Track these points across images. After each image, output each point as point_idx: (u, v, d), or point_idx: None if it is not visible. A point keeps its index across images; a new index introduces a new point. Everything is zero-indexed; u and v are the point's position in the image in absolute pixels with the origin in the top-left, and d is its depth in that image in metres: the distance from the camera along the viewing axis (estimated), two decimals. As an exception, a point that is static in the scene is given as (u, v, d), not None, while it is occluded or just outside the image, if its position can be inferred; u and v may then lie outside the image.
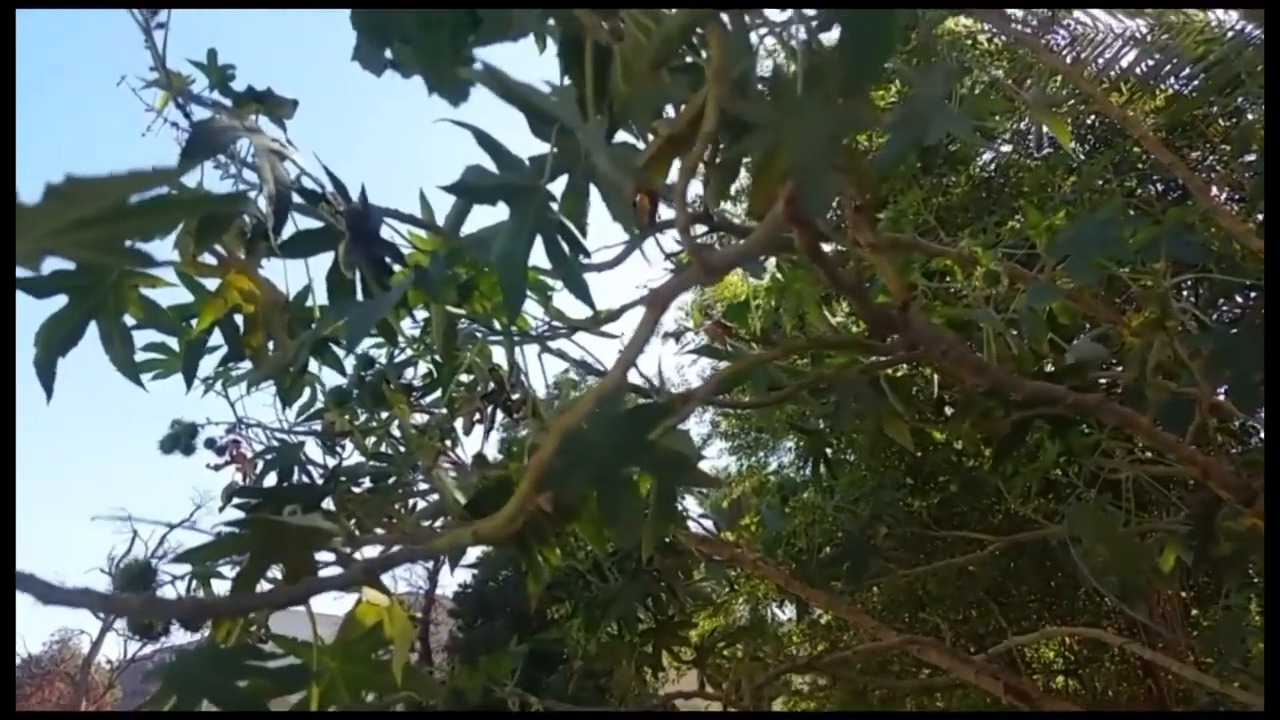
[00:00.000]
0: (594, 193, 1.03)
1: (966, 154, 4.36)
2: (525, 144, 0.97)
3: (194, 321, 1.29)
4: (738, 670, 2.73)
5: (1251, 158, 3.80)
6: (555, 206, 0.98)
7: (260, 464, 1.78)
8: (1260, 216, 3.23)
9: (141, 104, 1.36)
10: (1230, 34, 3.27)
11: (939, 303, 1.94)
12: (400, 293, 1.13)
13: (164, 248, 1.18)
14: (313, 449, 1.76)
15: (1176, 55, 3.47)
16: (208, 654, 0.80)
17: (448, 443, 1.61)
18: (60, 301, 1.14)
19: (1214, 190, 3.92)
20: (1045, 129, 3.83)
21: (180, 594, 1.15)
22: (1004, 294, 1.76)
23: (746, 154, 0.84)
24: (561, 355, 1.49)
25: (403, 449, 1.74)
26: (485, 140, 0.94)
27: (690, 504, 2.99)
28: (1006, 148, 4.67)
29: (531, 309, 1.48)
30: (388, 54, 1.04)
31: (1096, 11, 3.58)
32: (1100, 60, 3.73)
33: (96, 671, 17.79)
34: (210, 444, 1.86)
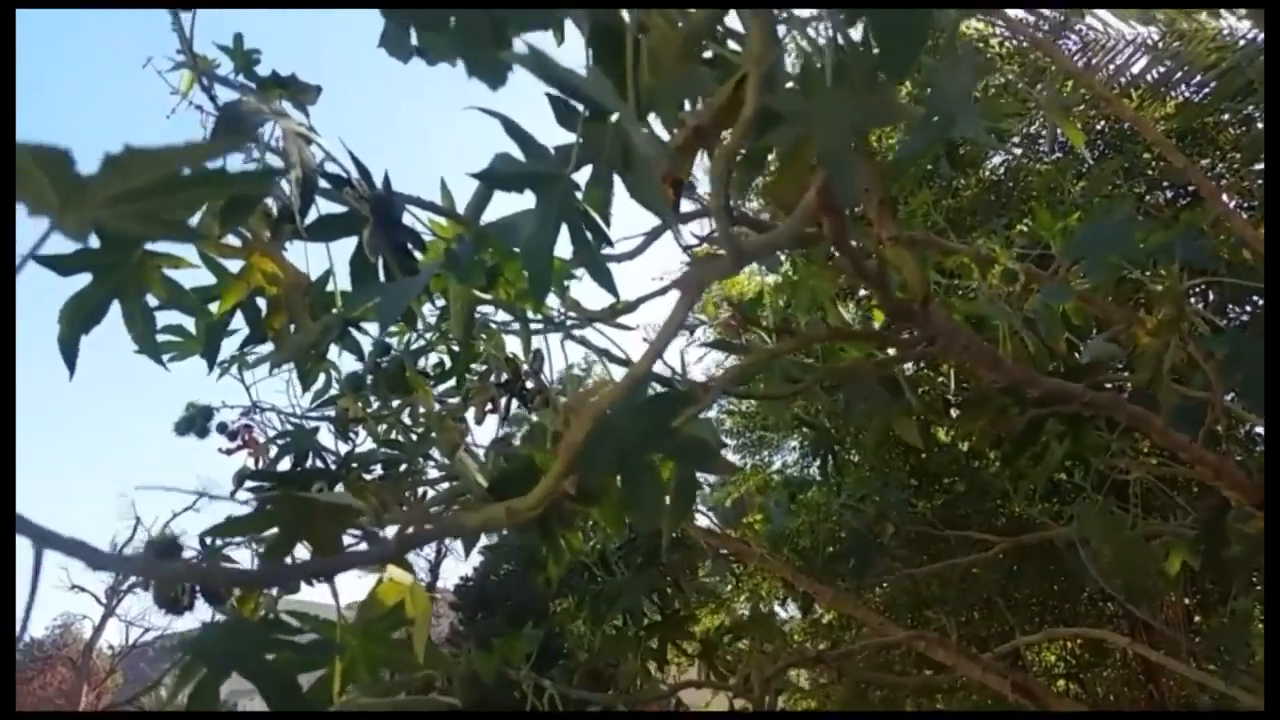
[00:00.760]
0: (616, 185, 1.04)
1: (976, 156, 4.36)
2: (546, 139, 0.98)
3: (215, 305, 1.30)
4: (748, 662, 2.74)
5: (1262, 166, 3.80)
6: (580, 196, 0.99)
7: (274, 449, 1.79)
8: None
9: (167, 86, 1.38)
10: (1242, 42, 3.26)
11: (954, 299, 1.95)
12: (430, 274, 1.14)
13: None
14: (325, 435, 1.78)
15: (1188, 62, 3.46)
16: (235, 627, 0.81)
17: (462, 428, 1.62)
18: (84, 279, 1.15)
19: (1224, 197, 3.91)
20: (1057, 132, 3.83)
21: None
22: (1017, 294, 1.76)
23: (776, 145, 0.85)
24: (585, 343, 1.50)
25: (414, 436, 1.75)
26: (513, 129, 0.95)
27: (697, 497, 3.00)
28: (1016, 151, 4.67)
29: (548, 299, 1.49)
30: (414, 40, 1.05)
31: (1108, 18, 3.57)
32: (1111, 66, 3.73)
33: (98, 656, 17.85)
34: (222, 428, 1.87)
